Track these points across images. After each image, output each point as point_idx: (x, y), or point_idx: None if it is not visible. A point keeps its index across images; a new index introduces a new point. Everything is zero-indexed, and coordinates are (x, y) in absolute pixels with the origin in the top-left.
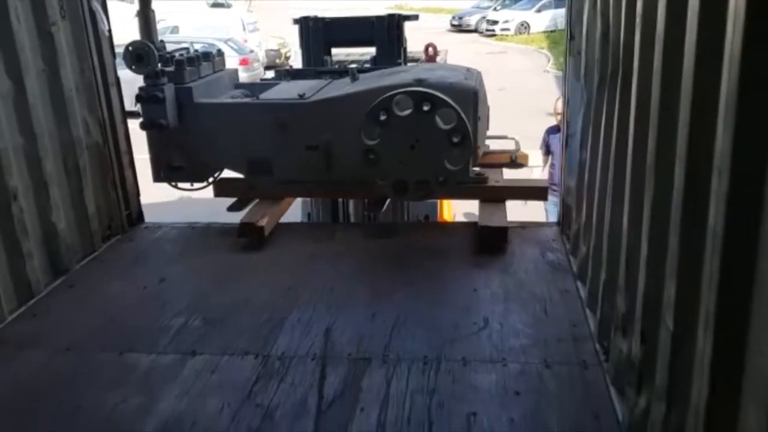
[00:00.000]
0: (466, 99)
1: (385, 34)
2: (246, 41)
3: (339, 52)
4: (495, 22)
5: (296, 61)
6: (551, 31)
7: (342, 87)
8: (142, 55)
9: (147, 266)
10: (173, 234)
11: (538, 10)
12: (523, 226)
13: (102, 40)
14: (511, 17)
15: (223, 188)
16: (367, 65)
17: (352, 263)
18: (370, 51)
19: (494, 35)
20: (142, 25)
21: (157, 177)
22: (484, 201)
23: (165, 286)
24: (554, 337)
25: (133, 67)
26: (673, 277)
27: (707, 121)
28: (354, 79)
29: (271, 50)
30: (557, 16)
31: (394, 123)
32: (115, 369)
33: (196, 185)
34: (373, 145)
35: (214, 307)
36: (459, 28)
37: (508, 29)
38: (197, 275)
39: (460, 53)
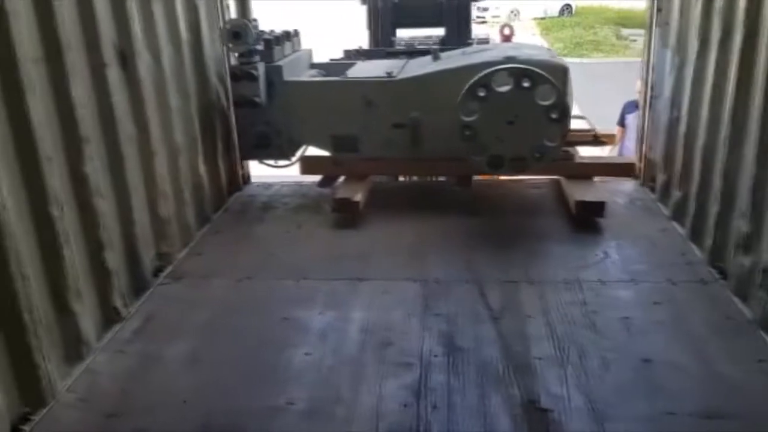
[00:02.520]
0: (558, 76)
1: (455, 14)
2: None
3: (401, 35)
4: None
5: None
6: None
7: (425, 66)
8: (239, 32)
9: (277, 215)
10: (286, 190)
11: None
12: (604, 180)
13: (227, 12)
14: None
15: (308, 165)
16: (435, 46)
17: (467, 214)
18: (431, 33)
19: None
20: (239, 3)
21: (245, 155)
22: (569, 178)
23: (303, 231)
24: (669, 263)
25: (230, 45)
26: None
27: None
28: (436, 58)
29: None
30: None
31: (493, 99)
32: (300, 291)
33: (281, 162)
34: (470, 121)
35: (359, 247)
36: None
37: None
38: (327, 223)
39: None
